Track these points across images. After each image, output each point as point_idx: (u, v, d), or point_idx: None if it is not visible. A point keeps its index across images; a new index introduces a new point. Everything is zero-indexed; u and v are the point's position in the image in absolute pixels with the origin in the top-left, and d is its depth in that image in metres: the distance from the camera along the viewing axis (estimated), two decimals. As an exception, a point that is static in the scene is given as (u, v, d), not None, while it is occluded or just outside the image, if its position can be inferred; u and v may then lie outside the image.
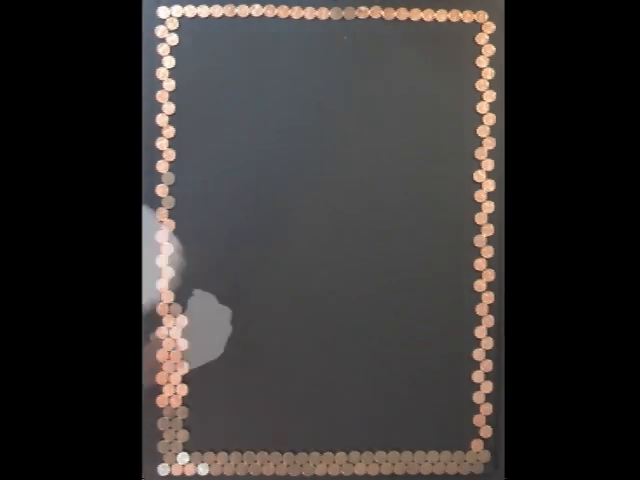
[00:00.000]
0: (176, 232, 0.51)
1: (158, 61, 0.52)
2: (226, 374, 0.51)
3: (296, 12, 0.53)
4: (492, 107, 0.53)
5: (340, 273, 0.52)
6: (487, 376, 0.52)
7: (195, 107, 0.52)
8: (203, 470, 0.52)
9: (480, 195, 0.53)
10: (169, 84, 0.52)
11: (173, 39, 0.52)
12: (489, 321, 0.53)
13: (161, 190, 0.52)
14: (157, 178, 0.52)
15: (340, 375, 0.52)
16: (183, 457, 0.51)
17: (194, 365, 0.50)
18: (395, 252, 0.52)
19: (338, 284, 0.52)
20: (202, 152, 0.52)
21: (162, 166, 0.52)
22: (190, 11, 0.52)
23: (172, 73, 0.52)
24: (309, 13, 0.53)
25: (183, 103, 0.52)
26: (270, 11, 0.52)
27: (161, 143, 0.52)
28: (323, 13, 0.53)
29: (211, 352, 0.50)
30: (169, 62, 0.52)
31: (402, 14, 0.53)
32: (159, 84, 0.52)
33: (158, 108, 0.52)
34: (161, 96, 0.52)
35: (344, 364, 0.52)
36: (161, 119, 0.52)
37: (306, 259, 0.52)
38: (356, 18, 0.53)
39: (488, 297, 0.53)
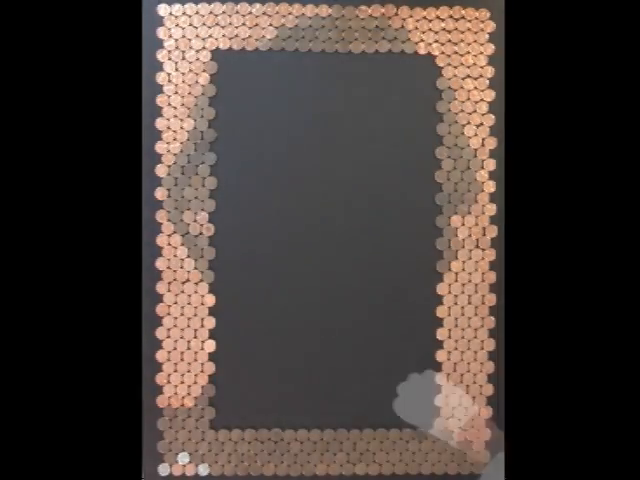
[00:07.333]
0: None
1: (159, 65, 0.52)
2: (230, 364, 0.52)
3: (297, 9, 0.52)
4: (491, 107, 0.53)
5: (346, 278, 0.52)
6: (488, 378, 0.53)
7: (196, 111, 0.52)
8: (203, 470, 0.52)
9: (483, 197, 0.53)
10: (169, 88, 0.52)
11: (171, 44, 0.52)
12: (490, 322, 0.53)
13: (160, 193, 0.52)
14: (156, 181, 0.52)
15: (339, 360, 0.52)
16: (183, 457, 0.51)
17: None
18: (391, 255, 0.52)
19: (343, 289, 0.52)
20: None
21: (161, 170, 0.52)
22: (190, 9, 0.52)
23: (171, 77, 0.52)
24: (310, 10, 0.52)
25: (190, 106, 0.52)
26: (270, 9, 0.52)
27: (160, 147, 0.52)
28: (324, 11, 0.52)
29: None
30: (170, 66, 0.52)
31: (405, 12, 0.52)
32: (159, 88, 0.52)
33: (158, 111, 0.52)
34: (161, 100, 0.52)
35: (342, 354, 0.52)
36: (160, 123, 0.52)
37: (313, 257, 0.52)
38: (356, 17, 0.52)
39: (490, 299, 0.53)
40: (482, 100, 0.53)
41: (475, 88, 0.53)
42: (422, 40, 0.53)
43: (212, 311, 0.52)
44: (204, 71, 0.52)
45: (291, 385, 0.52)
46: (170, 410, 0.51)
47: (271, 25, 0.52)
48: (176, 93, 0.52)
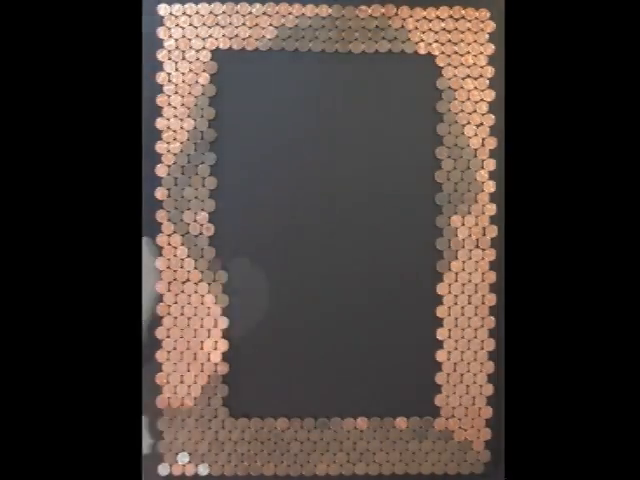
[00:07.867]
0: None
1: (159, 65, 0.52)
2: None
3: (297, 9, 0.52)
4: (491, 107, 0.53)
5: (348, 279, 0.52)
6: (488, 378, 0.53)
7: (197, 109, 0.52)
8: (203, 470, 0.52)
9: (483, 197, 0.53)
10: (169, 88, 0.52)
11: (171, 44, 0.52)
12: (490, 322, 0.53)
13: (160, 193, 0.52)
14: (156, 181, 0.52)
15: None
16: (183, 457, 0.51)
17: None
18: (391, 255, 0.52)
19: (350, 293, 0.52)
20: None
21: (161, 170, 0.52)
22: (190, 9, 0.52)
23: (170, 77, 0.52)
24: (310, 10, 0.52)
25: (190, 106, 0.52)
26: (270, 9, 0.52)
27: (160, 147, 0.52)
28: (324, 10, 0.52)
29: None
30: (170, 66, 0.52)
31: (405, 12, 0.52)
32: (159, 88, 0.52)
33: (158, 112, 0.52)
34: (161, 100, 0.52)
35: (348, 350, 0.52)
36: (160, 123, 0.52)
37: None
38: (356, 17, 0.52)
39: (490, 299, 0.53)
40: (482, 100, 0.53)
41: (475, 88, 0.53)
42: (422, 40, 0.53)
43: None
44: (204, 71, 0.52)
45: (290, 385, 0.52)
46: (170, 410, 0.51)
47: (271, 25, 0.52)
48: (176, 93, 0.52)
